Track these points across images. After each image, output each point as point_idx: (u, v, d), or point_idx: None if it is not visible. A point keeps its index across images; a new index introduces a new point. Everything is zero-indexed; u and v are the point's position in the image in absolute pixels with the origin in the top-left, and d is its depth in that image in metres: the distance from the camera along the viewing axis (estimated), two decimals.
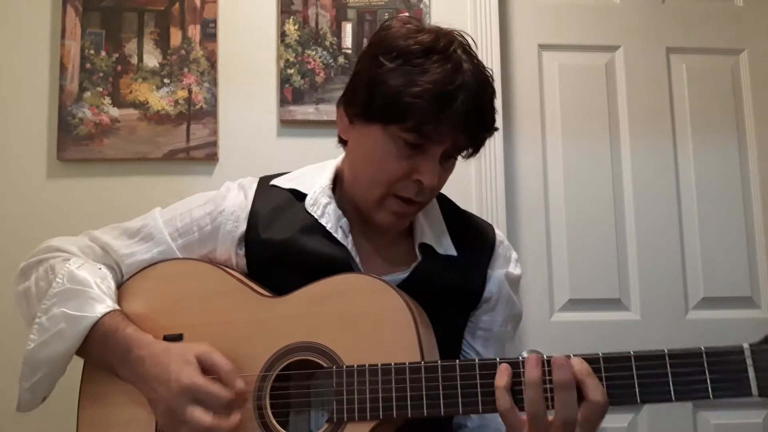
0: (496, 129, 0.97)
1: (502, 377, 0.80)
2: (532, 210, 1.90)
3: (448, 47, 0.91)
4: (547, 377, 0.79)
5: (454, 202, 1.12)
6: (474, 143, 0.95)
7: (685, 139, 1.96)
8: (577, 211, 1.91)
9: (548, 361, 0.80)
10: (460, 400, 0.82)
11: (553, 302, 1.88)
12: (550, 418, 0.79)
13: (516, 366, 0.81)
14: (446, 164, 0.96)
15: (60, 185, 1.75)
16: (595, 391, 0.78)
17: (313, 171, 1.07)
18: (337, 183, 1.05)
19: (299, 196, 1.02)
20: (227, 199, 1.02)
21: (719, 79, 2.00)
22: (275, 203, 1.01)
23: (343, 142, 1.03)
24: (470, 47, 0.95)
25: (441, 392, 0.83)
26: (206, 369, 0.88)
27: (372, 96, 0.92)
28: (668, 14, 2.01)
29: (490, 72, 0.96)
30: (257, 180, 1.06)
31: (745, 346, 0.77)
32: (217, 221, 1.01)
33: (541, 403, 0.79)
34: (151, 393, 0.89)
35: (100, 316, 0.92)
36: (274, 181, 1.05)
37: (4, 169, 1.75)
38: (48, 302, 0.94)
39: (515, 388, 0.80)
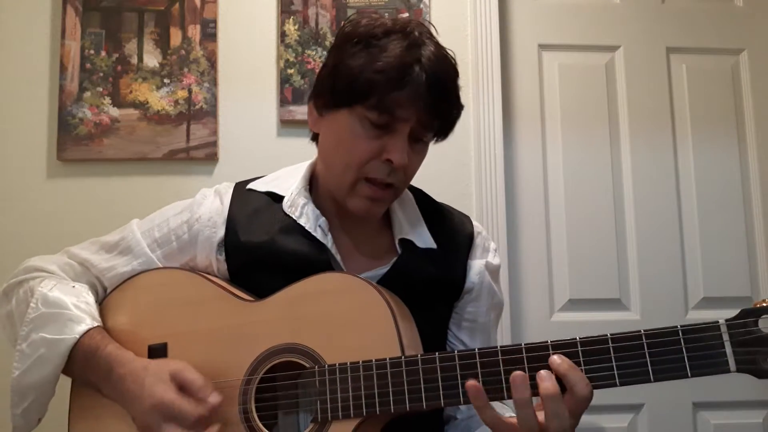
0: (461, 107, 0.98)
1: (479, 398, 0.80)
2: (532, 210, 1.90)
3: (406, 27, 0.93)
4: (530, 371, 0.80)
5: (429, 195, 1.13)
6: (440, 120, 0.96)
7: (685, 139, 1.96)
8: (577, 211, 1.90)
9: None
10: (441, 392, 0.82)
11: (553, 302, 1.88)
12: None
13: (493, 355, 0.82)
14: (416, 147, 0.96)
15: (60, 185, 1.75)
16: (579, 384, 0.78)
17: (288, 173, 1.07)
18: (313, 182, 1.05)
19: (276, 199, 1.02)
20: (203, 206, 1.02)
21: (719, 79, 2.00)
22: (253, 207, 1.01)
23: (315, 139, 1.04)
24: (429, 31, 0.97)
25: (422, 386, 0.83)
26: (180, 386, 0.88)
27: (336, 81, 0.94)
28: (668, 14, 2.01)
29: (451, 53, 0.98)
30: (233, 185, 1.06)
31: (721, 321, 0.77)
32: (195, 228, 1.01)
33: (533, 420, 0.79)
34: (130, 410, 0.90)
35: (78, 336, 0.92)
36: (250, 185, 1.06)
37: (4, 169, 1.75)
38: (26, 328, 0.94)
39: (492, 378, 0.81)
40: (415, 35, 0.93)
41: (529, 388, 0.79)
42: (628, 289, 1.89)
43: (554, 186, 1.92)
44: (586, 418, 1.97)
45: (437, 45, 0.96)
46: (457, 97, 0.97)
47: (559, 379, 0.79)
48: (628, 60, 1.97)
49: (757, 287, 1.92)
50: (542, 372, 0.79)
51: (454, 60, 0.98)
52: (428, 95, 0.90)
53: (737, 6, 2.04)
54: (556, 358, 0.80)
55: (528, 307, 1.87)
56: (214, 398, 0.86)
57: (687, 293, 1.90)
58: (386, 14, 1.82)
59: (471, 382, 0.80)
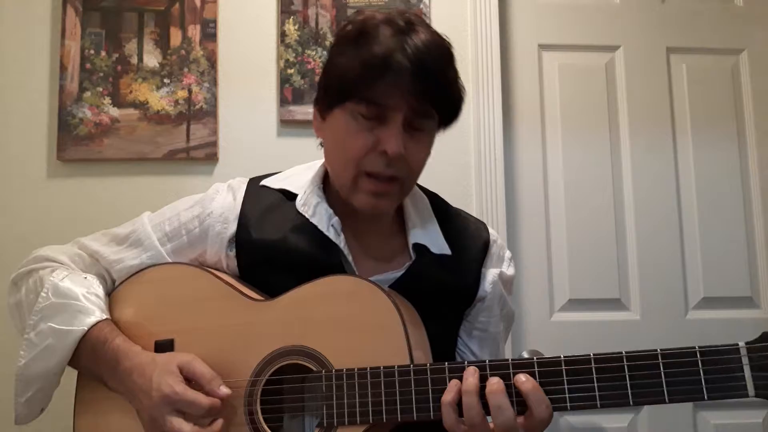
0: (460, 89, 0.95)
1: (449, 393, 0.80)
2: (532, 210, 1.90)
3: (393, 19, 0.92)
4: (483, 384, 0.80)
5: (446, 201, 1.11)
6: (435, 106, 0.92)
7: (685, 139, 1.96)
8: (577, 210, 1.90)
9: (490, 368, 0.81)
10: None
11: (553, 302, 1.88)
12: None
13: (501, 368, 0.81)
14: (415, 135, 0.93)
15: (60, 185, 1.75)
16: (540, 406, 0.78)
17: (302, 171, 1.06)
18: (327, 182, 1.04)
19: (289, 196, 1.01)
20: (215, 201, 1.01)
21: (719, 79, 2.00)
22: (266, 204, 1.00)
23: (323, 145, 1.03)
24: (422, 19, 0.95)
25: (431, 395, 0.82)
26: (189, 378, 0.87)
27: (327, 81, 0.95)
28: (668, 14, 2.01)
29: (446, 37, 0.95)
30: (247, 180, 1.05)
31: (741, 344, 0.75)
32: (206, 224, 1.00)
33: (479, 410, 0.79)
34: (137, 404, 0.89)
35: (87, 328, 0.92)
36: (264, 182, 1.04)
37: (4, 169, 1.75)
38: (35, 317, 0.94)
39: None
40: (401, 24, 0.91)
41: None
42: (628, 289, 1.89)
43: (554, 186, 1.92)
44: (586, 418, 1.98)
45: (430, 31, 0.92)
46: (452, 81, 0.94)
47: (523, 399, 0.79)
48: (628, 60, 1.97)
49: (757, 287, 1.92)
50: (492, 379, 0.80)
51: (449, 44, 0.94)
52: (415, 80, 0.88)
53: (737, 6, 2.04)
54: (521, 377, 0.79)
55: (528, 307, 1.87)
56: (223, 390, 0.86)
57: (687, 293, 1.90)
58: (432, 31, 1.82)
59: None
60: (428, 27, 0.93)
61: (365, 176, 0.93)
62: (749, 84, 1.99)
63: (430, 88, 0.90)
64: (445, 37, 0.95)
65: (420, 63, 0.88)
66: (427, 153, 0.97)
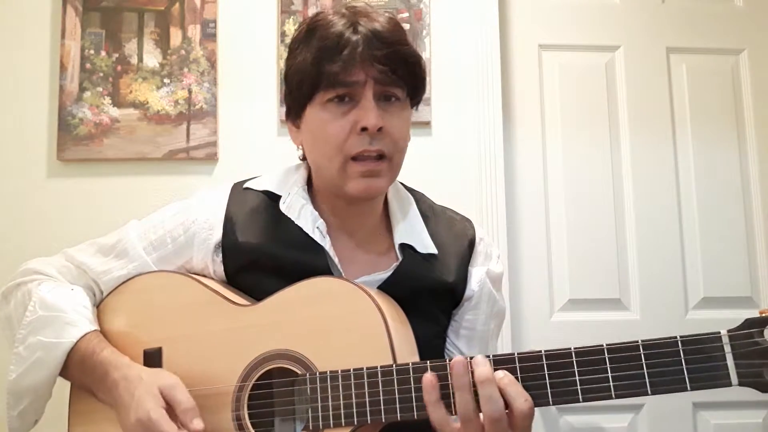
0: (416, 53, 0.97)
1: (432, 393, 0.80)
2: (532, 210, 1.90)
3: (341, 10, 0.95)
4: (472, 378, 0.79)
5: (430, 198, 1.11)
6: (396, 73, 0.93)
7: (685, 138, 1.96)
8: (577, 211, 1.90)
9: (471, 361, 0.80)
10: None
11: (553, 302, 1.88)
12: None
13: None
14: (390, 108, 0.94)
15: (60, 185, 1.75)
16: (518, 399, 0.77)
17: (286, 172, 1.06)
18: (311, 184, 1.04)
19: (274, 198, 1.01)
20: (199, 207, 1.01)
21: (719, 79, 2.00)
22: (250, 206, 1.00)
23: (305, 157, 1.03)
24: (372, 9, 0.97)
25: (414, 395, 0.81)
26: (168, 402, 0.87)
27: (290, 86, 0.97)
28: (668, 14, 2.01)
29: (394, 13, 0.99)
30: (230, 185, 1.05)
31: (723, 332, 0.74)
32: (191, 231, 1.00)
33: (472, 404, 0.79)
34: (119, 418, 0.89)
35: (75, 340, 0.92)
36: (247, 184, 1.04)
37: (4, 169, 1.75)
38: (24, 331, 0.94)
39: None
40: (350, 13, 0.94)
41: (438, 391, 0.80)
42: (628, 289, 1.89)
43: (554, 186, 1.92)
44: (586, 418, 1.97)
45: (378, 13, 0.95)
46: (408, 45, 0.95)
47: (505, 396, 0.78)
48: (628, 60, 1.97)
49: (757, 287, 1.92)
50: (477, 357, 0.80)
51: (398, 21, 0.97)
52: (371, 48, 0.90)
53: (737, 6, 2.04)
54: (498, 373, 0.79)
55: (528, 307, 1.86)
56: (196, 425, 0.85)
57: (687, 293, 1.90)
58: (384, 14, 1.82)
59: (427, 376, 0.80)
60: (377, 12, 0.96)
61: (351, 161, 0.93)
62: (749, 84, 1.99)
63: (388, 53, 0.91)
64: (393, 13, 0.98)
65: (372, 32, 0.91)
66: (407, 125, 0.97)
